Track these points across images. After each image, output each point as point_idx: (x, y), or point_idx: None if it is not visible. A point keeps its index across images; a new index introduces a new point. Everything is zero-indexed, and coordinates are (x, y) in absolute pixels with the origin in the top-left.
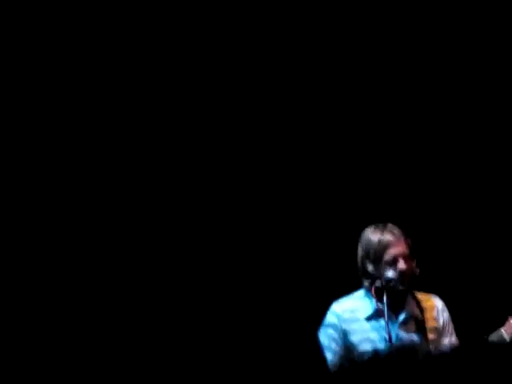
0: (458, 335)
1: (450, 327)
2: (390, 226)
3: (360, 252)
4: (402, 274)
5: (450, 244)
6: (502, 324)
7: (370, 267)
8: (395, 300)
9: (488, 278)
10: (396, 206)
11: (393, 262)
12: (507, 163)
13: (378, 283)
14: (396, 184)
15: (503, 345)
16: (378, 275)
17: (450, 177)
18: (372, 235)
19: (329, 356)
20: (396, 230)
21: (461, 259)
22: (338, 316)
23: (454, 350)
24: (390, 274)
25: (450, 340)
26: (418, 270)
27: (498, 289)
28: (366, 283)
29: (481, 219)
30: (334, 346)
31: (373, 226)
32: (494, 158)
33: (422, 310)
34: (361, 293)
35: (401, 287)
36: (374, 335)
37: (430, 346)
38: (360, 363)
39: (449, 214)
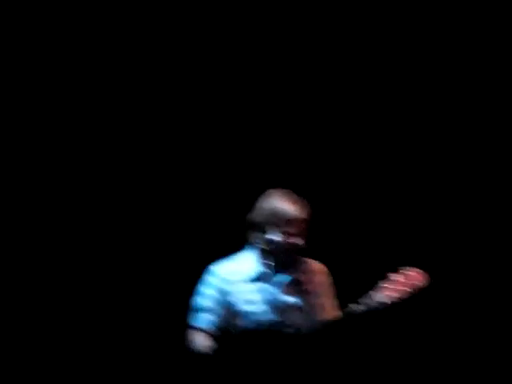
0: (339, 298)
1: (331, 291)
2: (301, 201)
3: (262, 210)
4: (292, 246)
5: (335, 209)
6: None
7: (267, 228)
8: (278, 263)
9: (367, 244)
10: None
11: (289, 235)
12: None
13: (263, 245)
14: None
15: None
16: (269, 238)
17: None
18: (282, 203)
19: (208, 317)
20: (305, 209)
21: (344, 225)
22: (219, 277)
23: (320, 327)
24: (282, 242)
25: (329, 303)
26: (304, 245)
27: (376, 256)
28: (253, 238)
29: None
30: (214, 306)
31: (284, 194)
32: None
33: (304, 273)
34: (243, 255)
35: (285, 258)
36: (255, 297)
37: (311, 309)
38: (234, 337)
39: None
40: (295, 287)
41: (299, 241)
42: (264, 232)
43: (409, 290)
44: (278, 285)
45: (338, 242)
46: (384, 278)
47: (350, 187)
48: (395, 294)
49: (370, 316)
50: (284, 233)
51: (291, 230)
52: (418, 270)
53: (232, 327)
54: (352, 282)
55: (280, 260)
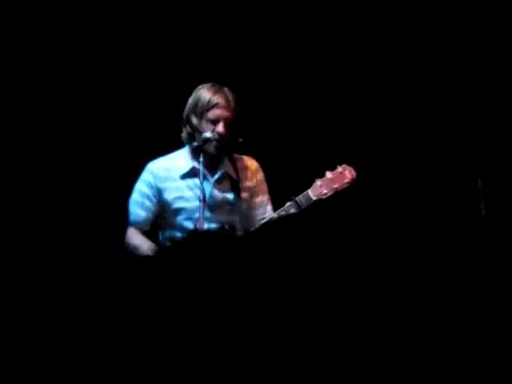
0: (271, 195)
1: (264, 187)
2: (226, 89)
3: (189, 103)
4: (219, 136)
5: (268, 109)
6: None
7: (193, 120)
8: (211, 159)
9: (299, 141)
10: None
11: (213, 123)
12: None
13: (195, 142)
14: None
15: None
16: (197, 131)
17: None
18: (205, 92)
19: (141, 213)
20: (229, 96)
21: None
22: (153, 174)
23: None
24: (208, 134)
25: (262, 199)
26: (239, 139)
27: (311, 154)
28: (185, 134)
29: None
30: (147, 203)
31: (210, 84)
32: None
33: (237, 169)
34: (177, 153)
35: (214, 151)
36: (188, 193)
37: (243, 205)
38: (179, 241)
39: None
40: (229, 183)
41: (222, 129)
42: (191, 125)
43: (341, 187)
44: (210, 181)
45: (277, 140)
46: (320, 175)
47: (287, 86)
48: (330, 191)
49: (306, 214)
50: (207, 120)
51: (214, 116)
52: (350, 167)
53: (166, 224)
54: (290, 179)
55: (211, 154)
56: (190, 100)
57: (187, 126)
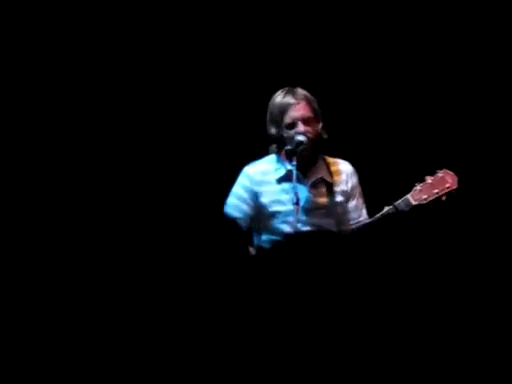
0: (366, 200)
1: (358, 191)
2: (295, 89)
3: (267, 116)
4: (306, 135)
5: (366, 113)
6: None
7: (272, 130)
8: (305, 163)
9: (398, 146)
10: None
11: (292, 125)
12: None
13: (288, 146)
14: None
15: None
16: (282, 138)
17: None
18: (276, 99)
19: (239, 216)
20: (299, 93)
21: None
22: (249, 178)
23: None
24: (301, 137)
25: (356, 203)
26: (325, 135)
27: (408, 158)
28: (274, 147)
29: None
30: (244, 206)
31: (280, 90)
32: None
33: (331, 173)
34: (272, 156)
35: (307, 152)
36: (283, 197)
37: (338, 208)
38: (279, 243)
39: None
40: (324, 187)
41: (302, 128)
42: (273, 132)
43: (442, 192)
44: (305, 185)
45: (374, 144)
46: (421, 180)
47: (387, 89)
48: (430, 196)
49: (403, 218)
50: (285, 126)
51: (290, 119)
52: (452, 172)
53: (261, 227)
54: (389, 184)
55: (305, 157)
56: (267, 112)
57: (272, 139)
